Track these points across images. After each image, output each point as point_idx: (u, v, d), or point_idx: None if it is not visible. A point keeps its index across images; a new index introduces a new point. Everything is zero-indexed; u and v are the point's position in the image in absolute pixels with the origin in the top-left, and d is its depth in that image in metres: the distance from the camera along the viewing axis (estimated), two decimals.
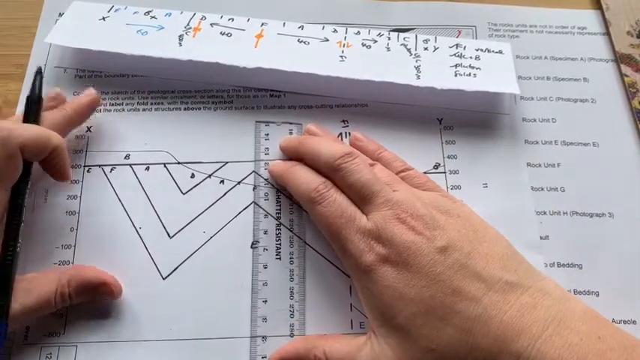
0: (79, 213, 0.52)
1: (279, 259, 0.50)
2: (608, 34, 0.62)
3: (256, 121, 0.56)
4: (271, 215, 0.52)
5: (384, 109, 0.56)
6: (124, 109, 0.56)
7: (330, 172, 0.48)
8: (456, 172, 0.54)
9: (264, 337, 0.48)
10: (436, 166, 0.54)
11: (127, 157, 0.54)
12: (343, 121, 0.56)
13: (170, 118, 0.56)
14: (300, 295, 0.49)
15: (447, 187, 0.53)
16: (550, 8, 0.64)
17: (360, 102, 0.57)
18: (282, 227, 0.52)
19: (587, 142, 0.56)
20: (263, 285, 0.49)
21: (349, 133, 0.55)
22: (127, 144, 0.54)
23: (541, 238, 0.52)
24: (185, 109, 0.56)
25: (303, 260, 0.51)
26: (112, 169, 0.53)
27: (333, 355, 0.44)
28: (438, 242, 0.42)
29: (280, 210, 0.52)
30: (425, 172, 0.53)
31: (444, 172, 0.54)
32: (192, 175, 0.53)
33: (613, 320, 0.49)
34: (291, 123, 0.56)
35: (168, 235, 0.51)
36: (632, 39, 0.61)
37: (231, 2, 0.62)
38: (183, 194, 0.53)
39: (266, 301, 0.49)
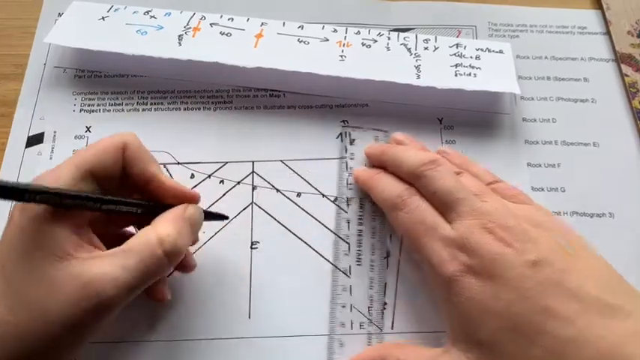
0: None
1: (360, 265, 0.50)
2: (608, 33, 0.62)
3: (342, 126, 0.56)
4: (354, 221, 0.52)
5: (384, 109, 0.56)
6: (123, 110, 0.56)
7: (414, 179, 0.46)
8: None
9: (341, 343, 0.48)
10: None
11: None
12: (343, 121, 0.56)
13: (170, 118, 0.56)
14: (379, 303, 0.49)
15: None
16: (550, 8, 0.64)
17: (360, 102, 0.57)
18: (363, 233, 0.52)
19: (588, 142, 0.56)
20: (342, 290, 0.49)
21: (350, 134, 0.55)
22: None
23: None
24: (185, 109, 0.56)
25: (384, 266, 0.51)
26: None
27: None
28: (528, 255, 0.39)
29: (363, 216, 0.52)
30: None
31: None
32: (192, 176, 0.53)
33: None
34: (378, 130, 0.55)
35: None
36: (633, 38, 0.61)
37: (230, 2, 0.62)
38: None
39: (344, 305, 0.49)
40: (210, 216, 0.47)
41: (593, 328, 0.37)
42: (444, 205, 0.44)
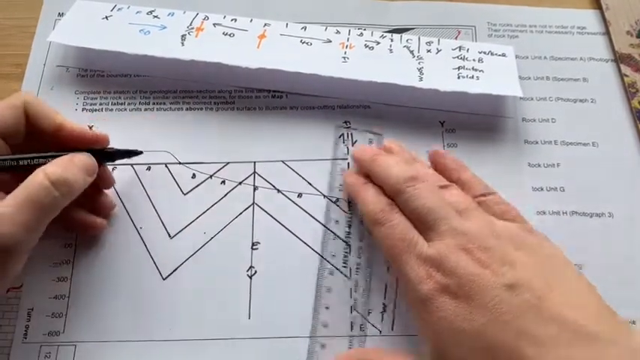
0: None
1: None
2: (607, 33, 0.62)
3: (336, 125, 0.56)
4: (342, 222, 0.52)
5: (386, 111, 0.56)
6: (125, 109, 0.56)
7: (395, 195, 0.46)
8: None
9: (323, 345, 0.48)
10: None
11: None
12: (345, 122, 0.56)
13: (172, 118, 0.56)
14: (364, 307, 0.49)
15: None
16: (550, 8, 0.64)
17: (363, 103, 0.57)
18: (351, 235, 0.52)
19: (587, 142, 0.56)
20: (326, 291, 0.50)
21: (351, 135, 0.55)
22: (128, 144, 0.54)
23: None
24: (187, 109, 0.56)
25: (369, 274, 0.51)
26: (113, 169, 0.53)
27: None
28: (506, 278, 0.39)
29: (352, 219, 0.52)
30: None
31: None
32: (194, 176, 0.53)
33: None
34: (371, 132, 0.56)
35: (169, 235, 0.51)
36: (632, 39, 0.61)
37: (234, 2, 0.62)
38: (184, 194, 0.53)
39: (328, 307, 0.49)
40: (120, 154, 0.50)
41: (572, 355, 0.36)
42: (424, 224, 0.44)
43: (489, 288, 0.39)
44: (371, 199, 0.47)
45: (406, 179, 0.46)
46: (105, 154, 0.49)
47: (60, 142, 0.47)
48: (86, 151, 0.46)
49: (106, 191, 0.51)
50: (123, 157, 0.50)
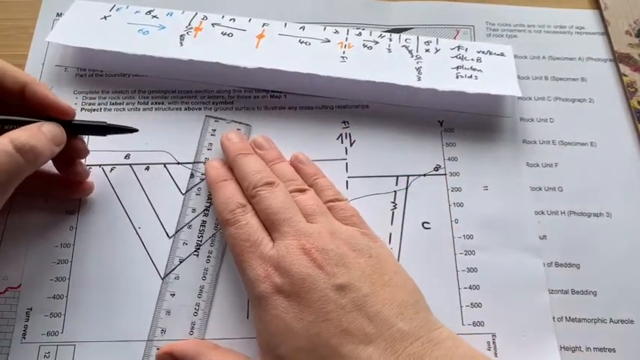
0: (78, 212, 0.52)
1: (197, 255, 0.50)
2: (606, 33, 0.62)
3: (206, 116, 0.56)
4: (199, 210, 0.52)
5: (385, 111, 0.56)
6: (124, 109, 0.56)
7: (249, 197, 0.48)
8: (456, 174, 0.54)
9: (163, 330, 0.48)
10: (436, 168, 0.54)
11: (127, 156, 0.54)
12: (344, 122, 0.56)
13: (171, 118, 0.56)
14: (208, 295, 0.49)
15: (448, 190, 0.53)
16: (548, 8, 0.64)
17: (361, 103, 0.57)
18: (206, 224, 0.52)
19: (586, 142, 0.56)
20: (175, 279, 0.50)
21: (350, 134, 0.55)
22: (127, 144, 0.54)
23: (539, 237, 0.52)
24: (186, 109, 0.56)
25: (219, 261, 0.51)
26: (112, 169, 0.53)
27: None
28: (336, 280, 0.41)
29: (210, 206, 0.52)
30: (425, 175, 0.54)
31: (445, 175, 0.54)
32: (192, 175, 0.53)
33: (610, 320, 0.49)
34: (239, 122, 0.56)
35: (167, 235, 0.51)
36: (631, 38, 0.61)
37: (232, 2, 0.62)
38: (183, 194, 0.53)
39: (174, 294, 0.49)
40: (90, 129, 0.50)
41: (383, 352, 0.38)
42: (270, 224, 0.45)
43: (319, 288, 0.40)
44: (226, 197, 0.48)
45: (263, 184, 0.47)
46: (76, 127, 0.48)
47: (27, 106, 0.46)
48: (57, 122, 0.46)
49: (82, 161, 0.51)
50: (89, 133, 0.51)
